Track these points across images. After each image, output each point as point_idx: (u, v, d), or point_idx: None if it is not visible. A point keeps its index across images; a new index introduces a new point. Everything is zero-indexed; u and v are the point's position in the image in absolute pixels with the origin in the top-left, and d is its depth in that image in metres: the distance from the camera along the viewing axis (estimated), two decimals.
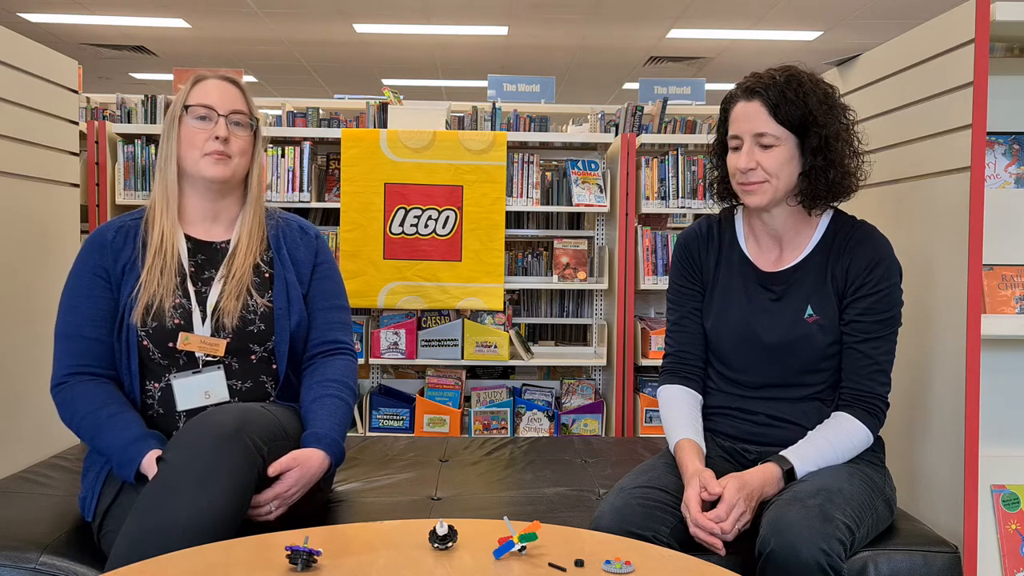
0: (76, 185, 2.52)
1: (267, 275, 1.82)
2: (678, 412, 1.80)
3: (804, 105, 1.68)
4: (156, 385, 1.74)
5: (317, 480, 1.67)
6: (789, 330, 1.74)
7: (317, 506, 1.83)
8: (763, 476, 1.62)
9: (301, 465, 1.62)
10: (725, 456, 1.79)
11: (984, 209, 1.74)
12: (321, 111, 5.05)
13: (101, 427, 1.66)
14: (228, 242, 1.83)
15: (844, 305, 1.73)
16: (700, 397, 1.84)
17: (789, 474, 1.64)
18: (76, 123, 2.53)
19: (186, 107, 1.77)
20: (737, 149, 1.74)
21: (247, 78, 10.40)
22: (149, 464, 1.58)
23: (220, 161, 1.77)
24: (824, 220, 1.79)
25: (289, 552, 1.24)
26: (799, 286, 1.76)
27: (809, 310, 1.74)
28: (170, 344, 1.71)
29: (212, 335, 1.73)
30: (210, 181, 1.78)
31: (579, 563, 1.27)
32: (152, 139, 3.77)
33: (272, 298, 1.80)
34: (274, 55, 9.49)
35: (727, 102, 1.79)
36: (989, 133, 1.84)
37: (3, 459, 2.11)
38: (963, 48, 1.78)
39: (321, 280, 1.89)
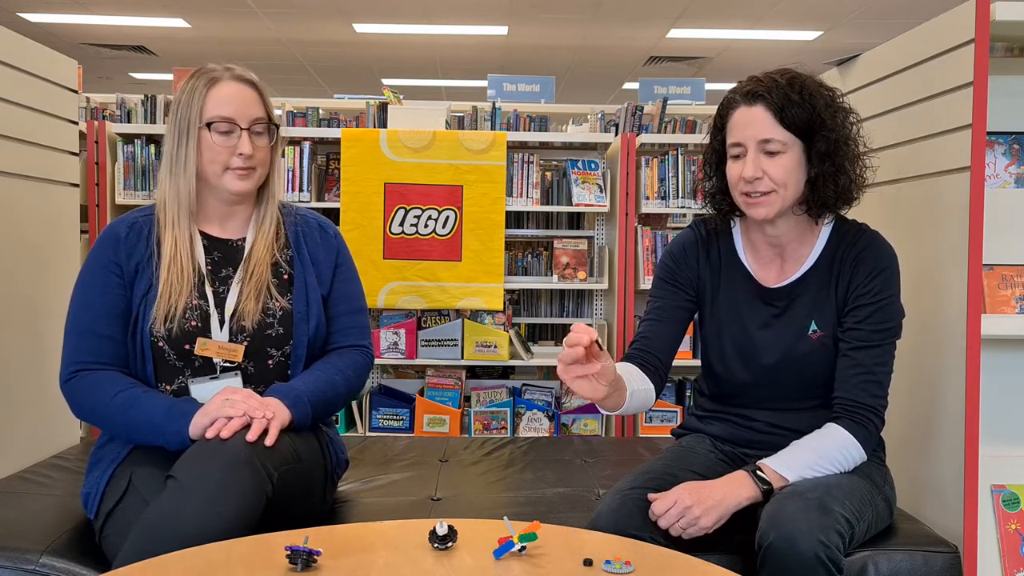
0: (76, 185, 2.52)
1: (286, 276, 1.79)
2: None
3: (811, 108, 1.60)
4: (168, 387, 1.70)
5: (280, 419, 1.60)
6: (792, 348, 1.69)
7: (318, 509, 1.82)
8: (722, 479, 1.59)
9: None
10: (725, 461, 1.76)
11: (984, 209, 1.73)
12: (321, 111, 5.05)
13: (139, 398, 1.63)
14: (244, 240, 1.80)
15: (844, 312, 1.67)
16: (650, 383, 1.72)
17: (760, 477, 1.58)
18: (76, 123, 2.53)
19: (208, 124, 1.70)
20: (739, 158, 1.65)
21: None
22: (197, 425, 1.57)
23: (245, 176, 1.73)
24: (826, 228, 1.72)
25: (289, 552, 1.24)
26: (802, 300, 1.70)
27: (813, 325, 1.69)
28: (186, 347, 1.68)
29: (230, 339, 1.70)
30: (234, 194, 1.75)
31: (587, 562, 1.27)
32: (153, 139, 3.77)
33: (292, 300, 1.77)
34: (274, 55, 9.49)
35: (724, 108, 1.69)
36: (989, 133, 1.84)
37: (3, 459, 2.11)
38: (963, 48, 1.78)
39: (342, 283, 1.85)
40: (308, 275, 1.80)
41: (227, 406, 1.56)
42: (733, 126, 1.66)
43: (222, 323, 1.71)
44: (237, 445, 1.50)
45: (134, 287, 1.71)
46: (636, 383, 1.66)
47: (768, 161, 1.62)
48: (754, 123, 1.62)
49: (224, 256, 1.78)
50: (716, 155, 1.74)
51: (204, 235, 1.78)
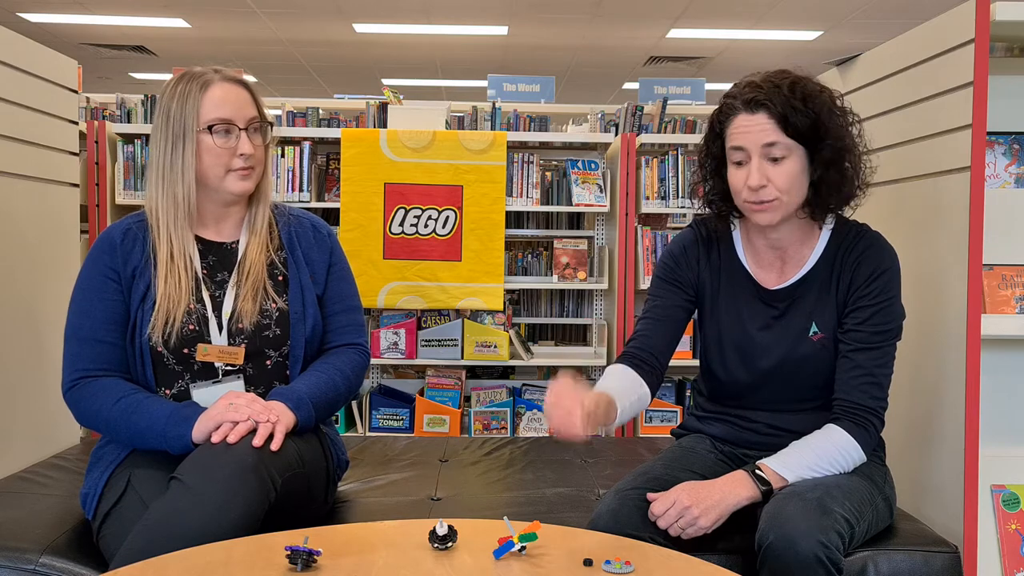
0: (76, 185, 2.52)
1: (281, 277, 1.79)
2: (607, 381, 1.66)
3: (814, 114, 1.58)
4: (168, 392, 1.70)
5: (285, 423, 1.60)
6: (792, 349, 1.68)
7: (319, 510, 1.82)
8: (721, 479, 1.59)
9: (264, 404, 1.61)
10: (725, 461, 1.76)
11: (984, 209, 1.73)
12: (321, 111, 5.05)
13: (141, 404, 1.62)
14: (238, 242, 1.79)
15: (844, 314, 1.67)
16: (645, 387, 1.72)
17: (759, 478, 1.58)
18: (76, 123, 2.53)
19: (209, 127, 1.69)
20: (741, 164, 1.63)
21: (246, 78, 10.40)
22: (200, 430, 1.57)
23: (246, 176, 1.73)
24: (827, 229, 1.71)
25: (289, 552, 1.24)
26: (803, 301, 1.70)
27: (814, 327, 1.68)
28: (185, 351, 1.68)
29: (229, 342, 1.70)
30: (236, 195, 1.75)
31: (588, 562, 1.28)
32: None
33: (288, 301, 1.77)
34: (274, 55, 9.49)
35: (723, 114, 1.66)
36: (989, 133, 1.84)
37: (3, 459, 2.11)
38: (963, 48, 1.78)
39: (336, 282, 1.86)
40: (303, 275, 1.80)
41: (231, 411, 1.57)
42: (733, 132, 1.64)
43: (220, 327, 1.71)
44: (243, 450, 1.50)
45: (131, 292, 1.71)
46: (626, 397, 1.63)
47: (772, 168, 1.60)
48: (756, 130, 1.60)
49: (219, 260, 1.78)
50: (715, 160, 1.71)
51: (199, 239, 1.78)
